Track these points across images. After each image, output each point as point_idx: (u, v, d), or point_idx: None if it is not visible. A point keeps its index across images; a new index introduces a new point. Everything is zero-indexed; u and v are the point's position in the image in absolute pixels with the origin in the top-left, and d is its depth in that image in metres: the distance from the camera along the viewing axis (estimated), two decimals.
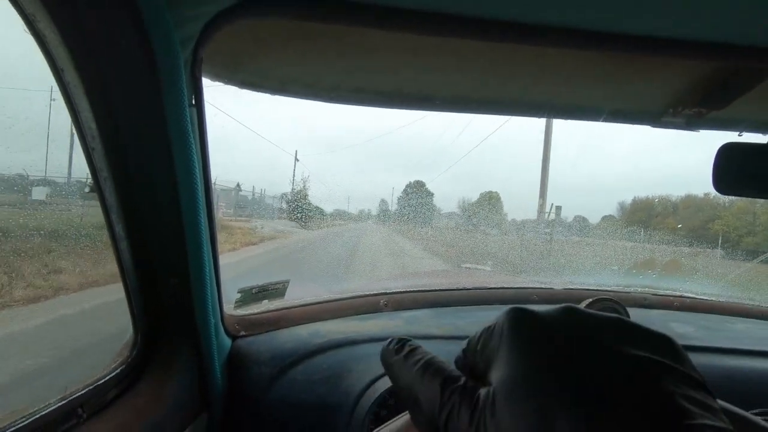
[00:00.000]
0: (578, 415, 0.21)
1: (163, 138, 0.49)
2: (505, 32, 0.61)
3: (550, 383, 0.23)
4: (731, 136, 0.91)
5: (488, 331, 0.28)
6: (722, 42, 0.64)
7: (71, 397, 0.52)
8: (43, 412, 0.48)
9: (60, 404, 0.50)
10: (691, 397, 0.22)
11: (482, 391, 0.25)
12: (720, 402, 0.28)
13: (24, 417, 0.46)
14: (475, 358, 0.28)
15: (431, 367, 0.28)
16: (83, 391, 0.54)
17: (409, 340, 0.32)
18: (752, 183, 0.73)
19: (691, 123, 0.97)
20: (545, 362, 0.24)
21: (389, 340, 0.32)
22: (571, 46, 0.64)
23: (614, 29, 0.62)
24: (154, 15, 0.42)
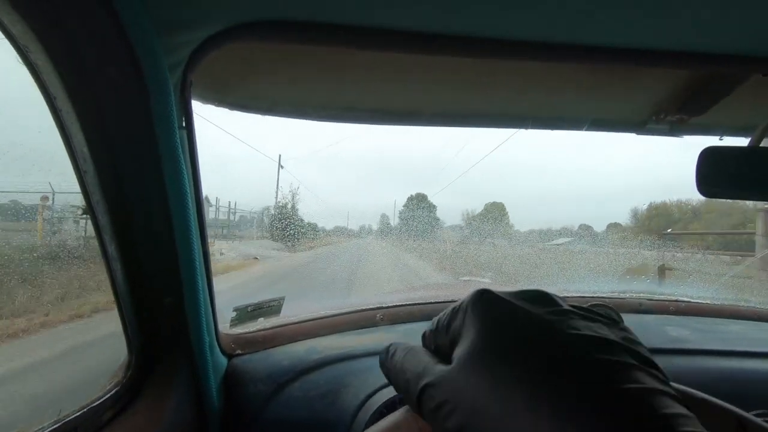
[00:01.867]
0: (528, 387, 0.22)
1: (155, 160, 0.51)
2: (487, 49, 0.63)
3: (505, 357, 0.24)
4: (713, 141, 0.93)
5: (453, 311, 0.30)
6: (698, 51, 0.67)
7: (66, 420, 0.52)
8: None
9: (55, 426, 0.50)
10: (644, 369, 0.23)
11: (447, 365, 0.27)
12: (677, 386, 0.29)
13: None
14: (440, 337, 0.30)
15: (410, 352, 0.31)
16: (78, 413, 0.54)
17: (398, 343, 0.34)
18: (733, 184, 0.74)
19: (675, 129, 1.00)
20: (503, 338, 0.25)
21: (384, 350, 0.34)
22: (553, 59, 0.66)
23: (594, 42, 0.64)
24: (144, 42, 0.44)
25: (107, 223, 0.52)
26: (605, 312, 0.30)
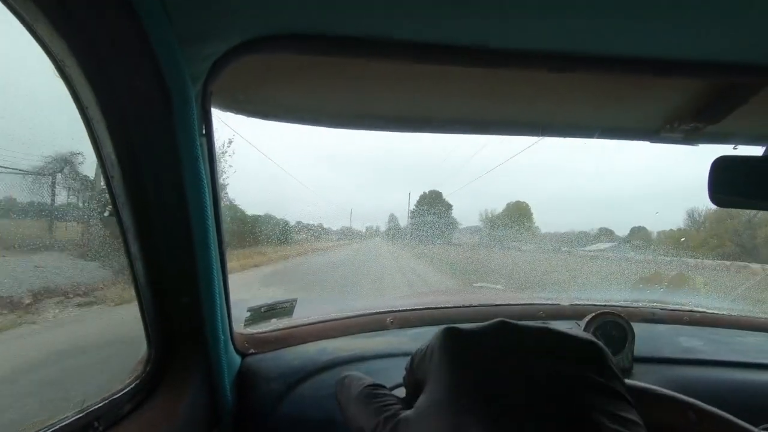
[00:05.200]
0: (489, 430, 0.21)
1: (176, 166, 0.54)
2: (499, 59, 0.64)
3: (466, 401, 0.23)
4: (726, 149, 0.93)
5: (423, 352, 0.29)
6: (713, 60, 0.66)
7: (88, 410, 0.55)
8: (61, 425, 0.50)
9: (77, 417, 0.53)
10: (608, 411, 0.22)
11: (404, 416, 0.26)
12: (631, 382, 0.29)
13: (43, 428, 0.49)
14: (414, 375, 0.30)
15: (370, 395, 0.30)
16: (100, 405, 0.56)
17: (353, 374, 0.34)
18: (747, 194, 0.74)
19: (689, 138, 0.99)
20: (466, 382, 0.24)
21: (339, 378, 0.35)
22: (565, 70, 0.66)
23: (607, 52, 0.64)
24: (168, 55, 0.47)
25: (131, 224, 0.55)
26: (612, 321, 0.29)
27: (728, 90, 0.83)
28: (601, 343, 0.27)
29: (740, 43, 0.61)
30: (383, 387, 0.31)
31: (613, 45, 0.63)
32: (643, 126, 0.99)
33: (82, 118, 0.45)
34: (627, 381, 0.27)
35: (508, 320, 0.28)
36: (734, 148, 0.92)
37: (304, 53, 0.60)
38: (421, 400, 0.26)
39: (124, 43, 0.43)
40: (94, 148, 0.48)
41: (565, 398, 0.23)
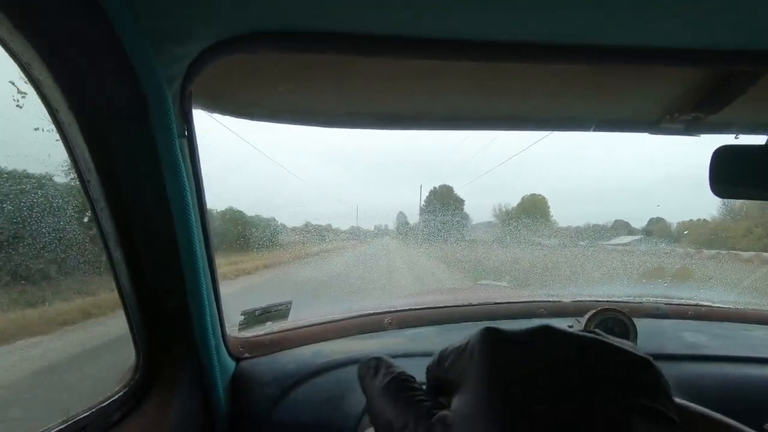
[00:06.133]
0: None
1: (156, 168, 0.53)
2: (493, 52, 0.62)
3: (507, 413, 0.22)
4: (728, 139, 0.90)
5: (459, 350, 0.27)
6: (713, 48, 0.64)
7: (75, 419, 0.54)
8: None
9: (63, 426, 0.52)
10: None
11: (440, 416, 0.25)
12: (679, 401, 0.27)
13: None
14: (445, 373, 0.28)
15: (399, 388, 0.28)
16: (87, 413, 0.56)
17: (383, 359, 0.31)
18: (749, 184, 0.71)
19: (690, 128, 0.96)
20: (507, 391, 0.23)
21: (367, 359, 0.32)
22: (562, 61, 0.64)
23: (603, 42, 0.62)
24: (139, 55, 0.46)
25: (112, 229, 0.54)
26: (614, 317, 0.28)
27: (728, 78, 0.81)
28: (652, 360, 0.25)
29: (740, 31, 0.60)
30: (414, 380, 0.29)
31: (610, 35, 0.61)
32: (643, 117, 0.97)
33: (53, 121, 0.44)
34: (675, 400, 0.25)
35: (551, 325, 0.26)
36: (736, 138, 0.89)
37: (285, 51, 0.59)
38: (460, 402, 0.24)
39: (91, 43, 0.42)
40: (67, 152, 0.47)
41: (615, 423, 0.21)
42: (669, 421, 0.22)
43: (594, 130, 0.99)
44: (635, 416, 0.22)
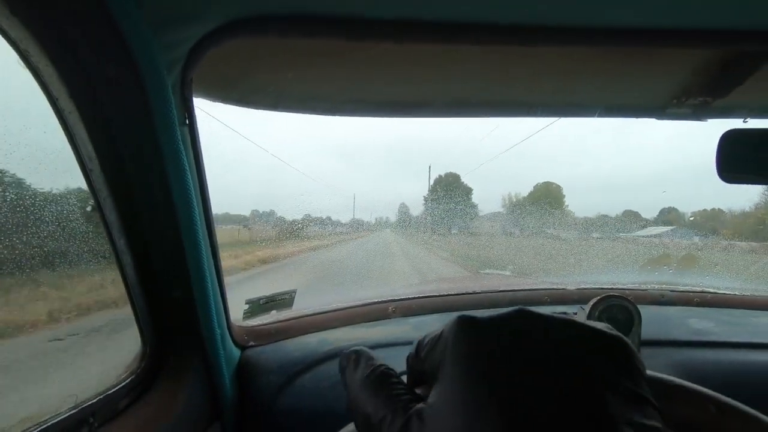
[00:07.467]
0: None
1: (157, 156, 0.52)
2: (498, 35, 0.61)
3: (481, 400, 0.22)
4: (735, 124, 0.88)
5: (434, 340, 0.27)
6: (721, 28, 0.63)
7: (83, 406, 0.54)
8: (55, 420, 0.50)
9: (71, 413, 0.53)
10: (636, 422, 0.21)
11: (416, 410, 0.25)
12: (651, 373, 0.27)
13: (36, 425, 0.48)
14: (422, 364, 0.28)
15: (379, 381, 0.28)
16: (94, 400, 0.56)
17: (363, 352, 0.31)
18: (758, 168, 0.70)
19: (698, 113, 0.95)
20: (481, 378, 0.23)
21: (347, 352, 0.32)
22: (567, 44, 0.63)
23: (609, 24, 0.61)
24: (139, 41, 0.45)
25: (115, 219, 0.54)
26: (618, 304, 0.28)
27: (736, 61, 0.79)
28: (628, 340, 0.25)
29: (749, 10, 0.58)
30: (394, 372, 0.29)
31: (615, 17, 0.60)
32: (650, 102, 0.95)
33: (53, 110, 0.44)
34: (648, 372, 0.25)
35: (526, 308, 0.26)
36: (744, 122, 0.88)
37: (287, 36, 0.58)
38: (435, 394, 0.24)
39: (90, 29, 0.42)
40: (69, 142, 0.47)
41: (591, 404, 0.21)
42: (642, 399, 0.23)
43: (600, 116, 0.98)
44: (610, 395, 0.22)
